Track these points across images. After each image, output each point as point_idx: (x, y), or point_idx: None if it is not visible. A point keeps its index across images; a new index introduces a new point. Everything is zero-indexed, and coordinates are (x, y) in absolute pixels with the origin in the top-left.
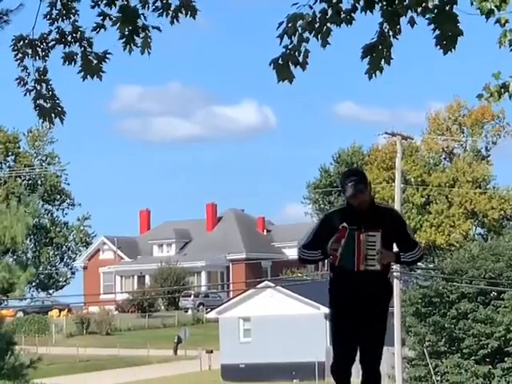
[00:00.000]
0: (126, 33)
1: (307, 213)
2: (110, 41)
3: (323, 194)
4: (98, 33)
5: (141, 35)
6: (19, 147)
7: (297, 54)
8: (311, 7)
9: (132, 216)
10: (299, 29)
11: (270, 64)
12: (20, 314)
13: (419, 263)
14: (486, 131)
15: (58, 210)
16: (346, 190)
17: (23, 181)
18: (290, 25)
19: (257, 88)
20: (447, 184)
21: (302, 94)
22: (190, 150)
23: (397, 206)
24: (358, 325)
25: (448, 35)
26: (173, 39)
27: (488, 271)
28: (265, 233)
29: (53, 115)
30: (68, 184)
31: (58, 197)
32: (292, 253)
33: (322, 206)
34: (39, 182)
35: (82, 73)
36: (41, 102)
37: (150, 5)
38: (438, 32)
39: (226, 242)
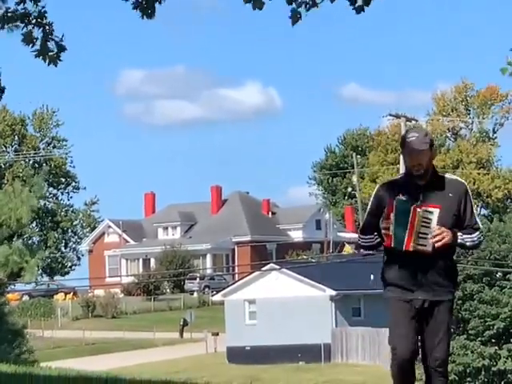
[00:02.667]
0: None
1: (312, 193)
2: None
3: (328, 175)
4: None
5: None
6: (26, 130)
7: None
8: None
9: (137, 199)
10: None
11: None
12: (26, 297)
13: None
14: (493, 112)
15: (63, 193)
16: (403, 145)
17: (29, 164)
18: None
19: (261, 70)
20: (451, 165)
21: (307, 75)
22: (194, 132)
23: None
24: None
25: None
26: (176, 22)
27: (493, 253)
28: (270, 215)
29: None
30: (73, 167)
31: (63, 180)
32: (297, 235)
33: (327, 186)
34: (44, 165)
35: (37, 55)
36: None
37: None
38: None
39: (231, 224)
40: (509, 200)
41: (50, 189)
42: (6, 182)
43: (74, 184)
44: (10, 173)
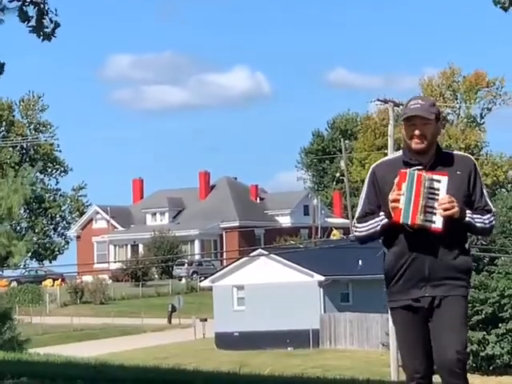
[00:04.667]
0: None
1: (300, 178)
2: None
3: (316, 160)
4: None
5: None
6: (14, 116)
7: None
8: None
9: (125, 185)
10: None
11: None
12: (14, 283)
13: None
14: (480, 98)
15: (50, 178)
16: (404, 113)
17: (16, 150)
18: None
19: (249, 54)
20: None
21: (294, 60)
22: (182, 118)
23: None
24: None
25: None
26: (164, 7)
27: (480, 238)
28: (258, 201)
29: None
30: (60, 151)
31: (50, 165)
32: (285, 220)
33: (315, 171)
34: (32, 151)
35: (32, 31)
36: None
37: None
38: None
39: (219, 210)
40: (498, 186)
41: (38, 174)
42: None
43: (62, 167)
44: None
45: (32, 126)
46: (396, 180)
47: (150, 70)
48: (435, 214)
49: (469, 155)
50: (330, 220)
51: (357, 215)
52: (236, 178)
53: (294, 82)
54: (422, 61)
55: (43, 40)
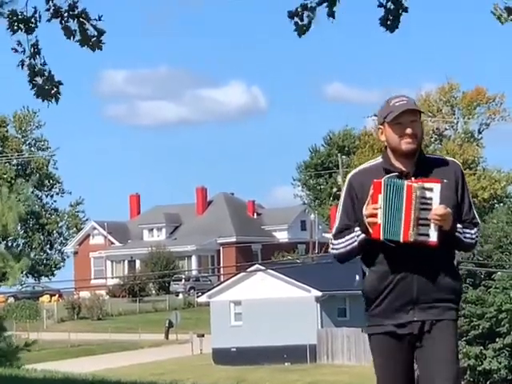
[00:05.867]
0: None
1: (297, 195)
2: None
3: (313, 175)
4: None
5: None
6: (7, 131)
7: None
8: None
9: (122, 201)
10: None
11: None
12: (11, 299)
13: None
14: (478, 113)
15: (47, 196)
16: (389, 113)
17: (12, 166)
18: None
19: (245, 69)
20: None
21: (291, 74)
22: (178, 133)
23: None
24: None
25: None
26: (158, 22)
27: (477, 253)
28: (255, 216)
29: (50, 92)
30: (57, 169)
31: (47, 182)
32: (282, 236)
33: (312, 186)
34: (28, 168)
35: (81, 45)
36: (37, 79)
37: None
38: (383, 12)
39: (216, 225)
40: (495, 200)
41: (35, 191)
42: None
43: (58, 186)
44: None
45: (28, 142)
46: (370, 192)
47: (145, 85)
48: (429, 226)
49: (455, 160)
50: (327, 235)
51: (333, 231)
52: (233, 194)
53: (291, 97)
54: (419, 76)
55: (94, 50)
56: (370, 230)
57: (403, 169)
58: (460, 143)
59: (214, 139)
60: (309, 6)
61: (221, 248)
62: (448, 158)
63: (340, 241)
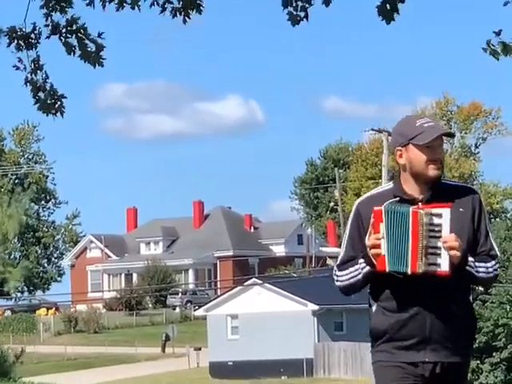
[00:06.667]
0: None
1: (294, 208)
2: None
3: (310, 189)
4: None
5: None
6: (4, 145)
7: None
8: None
9: (119, 214)
10: None
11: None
12: (8, 312)
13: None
14: (475, 128)
15: (44, 209)
16: (418, 134)
17: (10, 179)
18: None
19: (242, 83)
20: None
21: (288, 88)
22: (176, 147)
23: None
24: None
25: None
26: (156, 36)
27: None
28: (252, 230)
29: (54, 107)
30: (54, 184)
31: (43, 196)
32: (279, 250)
33: (309, 200)
34: (26, 181)
35: (83, 60)
36: (40, 94)
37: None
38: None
39: (213, 239)
40: (491, 215)
41: (31, 204)
42: None
43: (55, 200)
44: None
45: (26, 155)
46: (371, 220)
47: (143, 99)
48: (439, 254)
49: (473, 187)
50: (324, 249)
51: (338, 261)
52: (230, 208)
53: (288, 111)
54: (415, 90)
55: (95, 66)
56: (375, 262)
57: (416, 196)
58: (457, 157)
59: (212, 153)
60: None
61: (218, 262)
62: (465, 184)
63: (344, 273)
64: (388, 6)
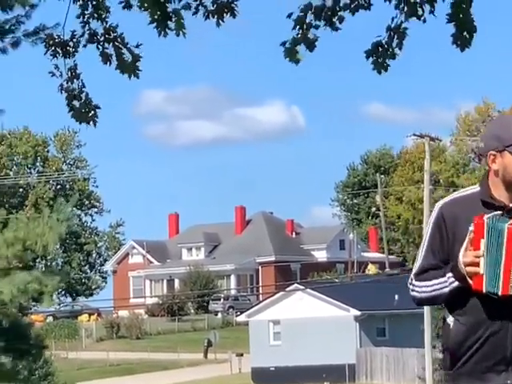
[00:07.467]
0: (156, 16)
1: (335, 214)
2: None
3: (351, 195)
4: (127, 9)
5: (173, 18)
6: (48, 151)
7: (306, 37)
8: None
9: (161, 220)
10: (310, 17)
11: (281, 45)
12: (50, 319)
13: None
14: None
15: (86, 215)
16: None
17: (52, 186)
18: (300, 14)
19: (284, 88)
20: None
21: (330, 93)
22: (217, 152)
23: (425, 208)
24: None
25: (464, 33)
26: (196, 41)
27: None
28: (293, 235)
29: (87, 116)
30: (97, 187)
31: (87, 202)
32: (321, 255)
33: (349, 206)
34: (67, 187)
35: (120, 72)
36: (74, 103)
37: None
38: (454, 30)
39: (254, 244)
40: None
41: (74, 210)
42: (27, 203)
43: (98, 205)
44: (33, 194)
45: (68, 161)
46: (470, 234)
47: (183, 104)
48: None
49: None
50: (365, 254)
51: (415, 270)
52: (272, 213)
53: (329, 116)
54: (455, 95)
55: (130, 77)
56: (470, 281)
57: (506, 203)
58: None
59: (253, 158)
60: (384, 44)
61: (260, 267)
62: None
63: (424, 283)
64: (467, 34)
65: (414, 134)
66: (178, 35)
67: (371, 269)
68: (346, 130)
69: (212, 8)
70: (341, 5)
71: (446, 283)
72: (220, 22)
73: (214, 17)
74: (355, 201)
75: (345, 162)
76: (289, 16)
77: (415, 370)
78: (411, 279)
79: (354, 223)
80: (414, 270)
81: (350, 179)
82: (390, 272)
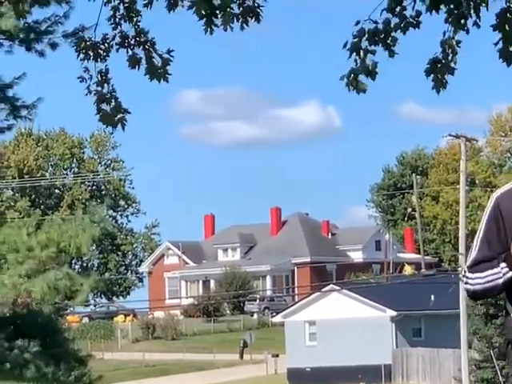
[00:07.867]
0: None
1: (371, 215)
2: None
3: (387, 196)
4: (173, 11)
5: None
6: (83, 152)
7: (365, 66)
8: (374, 21)
9: (196, 221)
10: (365, 43)
11: (341, 79)
12: (85, 319)
13: None
14: None
15: (122, 216)
16: None
17: (87, 187)
18: (355, 40)
19: (320, 88)
20: None
21: (366, 94)
22: (253, 153)
23: (461, 209)
24: None
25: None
26: (232, 42)
27: None
28: (329, 236)
29: (115, 119)
30: (133, 188)
31: (123, 203)
32: (357, 256)
33: (385, 207)
34: (103, 188)
35: (150, 78)
36: (103, 106)
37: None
38: (501, 45)
39: (290, 245)
40: None
41: (110, 211)
42: (63, 204)
43: (134, 206)
44: (69, 195)
45: (103, 163)
46: None
47: (219, 105)
48: None
49: None
50: (401, 255)
51: (469, 262)
52: (307, 214)
53: (365, 116)
54: (490, 95)
55: (159, 81)
56: None
57: None
58: None
59: (289, 159)
60: (441, 59)
61: (295, 268)
62: None
63: (478, 275)
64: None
65: (450, 135)
66: (225, 30)
67: (407, 269)
68: (381, 130)
69: (237, 11)
70: (391, 26)
71: (499, 274)
72: (244, 25)
73: (238, 21)
74: (391, 202)
75: (380, 162)
76: (344, 46)
77: (451, 371)
78: (464, 271)
79: (390, 224)
80: (467, 263)
81: (385, 181)
82: (426, 273)
